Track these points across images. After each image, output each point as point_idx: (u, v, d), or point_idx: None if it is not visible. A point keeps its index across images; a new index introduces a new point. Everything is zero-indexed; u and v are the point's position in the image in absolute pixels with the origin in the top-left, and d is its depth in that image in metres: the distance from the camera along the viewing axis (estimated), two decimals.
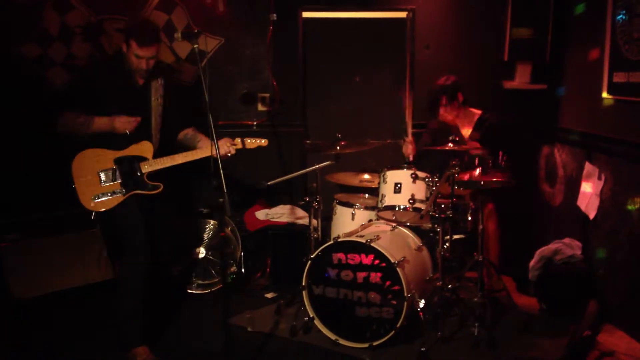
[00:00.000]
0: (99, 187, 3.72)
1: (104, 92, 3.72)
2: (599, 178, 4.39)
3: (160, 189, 3.79)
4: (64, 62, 5.00)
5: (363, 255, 3.85)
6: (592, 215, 4.47)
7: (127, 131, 3.69)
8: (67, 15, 4.95)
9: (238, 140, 3.96)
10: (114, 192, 3.72)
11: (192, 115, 4.14)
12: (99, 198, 3.71)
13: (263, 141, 4.08)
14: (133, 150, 3.77)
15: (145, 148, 3.79)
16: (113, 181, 3.73)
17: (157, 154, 3.84)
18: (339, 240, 3.94)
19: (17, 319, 4.33)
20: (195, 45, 3.46)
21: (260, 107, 5.38)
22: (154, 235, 3.88)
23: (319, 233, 4.44)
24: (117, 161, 3.75)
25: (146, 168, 3.78)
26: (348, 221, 4.50)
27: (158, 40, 3.74)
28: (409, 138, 4.83)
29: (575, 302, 4.21)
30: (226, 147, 3.87)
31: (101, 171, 3.72)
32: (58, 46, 4.97)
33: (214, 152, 3.41)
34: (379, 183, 4.31)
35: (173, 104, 3.97)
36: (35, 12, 4.88)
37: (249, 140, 4.04)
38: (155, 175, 3.85)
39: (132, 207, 3.76)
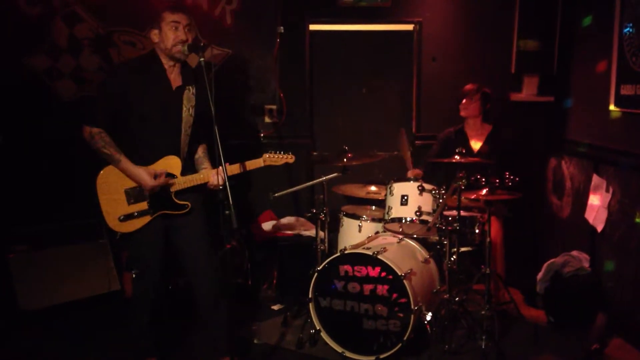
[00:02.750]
0: (126, 207, 3.41)
1: (134, 99, 3.37)
2: (607, 190, 4.38)
3: (187, 209, 3.50)
4: (72, 74, 5.03)
5: (370, 268, 3.84)
6: (600, 228, 4.45)
7: (151, 190, 3.41)
8: (76, 27, 4.98)
9: (266, 155, 3.67)
10: (141, 213, 3.43)
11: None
12: (125, 219, 3.42)
13: (290, 157, 3.72)
14: (161, 165, 3.44)
15: (173, 163, 3.46)
16: (141, 201, 3.43)
17: (183, 171, 3.52)
18: (346, 252, 3.94)
19: (24, 330, 4.33)
20: (202, 59, 3.33)
21: (267, 119, 5.39)
22: (185, 259, 3.64)
23: (326, 245, 4.44)
24: None
25: (175, 186, 3.47)
26: (355, 233, 4.50)
27: (185, 9, 3.47)
28: (411, 169, 4.74)
29: (583, 315, 4.20)
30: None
31: (128, 189, 3.42)
32: (66, 58, 5.00)
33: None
34: (385, 195, 4.31)
35: (199, 115, 3.58)
36: (44, 24, 4.91)
37: (274, 156, 3.69)
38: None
39: (155, 226, 3.50)
